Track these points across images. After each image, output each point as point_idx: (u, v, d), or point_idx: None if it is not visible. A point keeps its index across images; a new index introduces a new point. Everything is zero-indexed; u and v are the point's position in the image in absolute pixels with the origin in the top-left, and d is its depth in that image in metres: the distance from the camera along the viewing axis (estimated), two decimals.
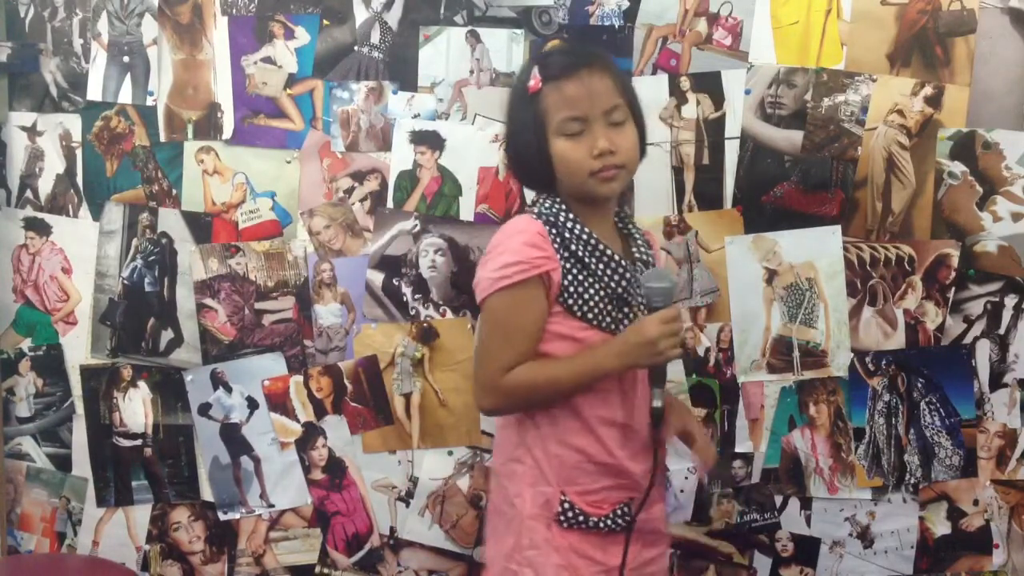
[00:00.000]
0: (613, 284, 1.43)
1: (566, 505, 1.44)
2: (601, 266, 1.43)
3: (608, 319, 1.43)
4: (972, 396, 1.95)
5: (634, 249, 1.52)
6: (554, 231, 1.42)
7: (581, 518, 1.44)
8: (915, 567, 1.99)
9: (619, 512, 1.45)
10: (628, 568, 1.44)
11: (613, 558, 1.44)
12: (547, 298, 1.41)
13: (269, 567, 2.10)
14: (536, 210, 1.45)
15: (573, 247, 1.41)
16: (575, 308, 1.41)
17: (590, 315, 1.41)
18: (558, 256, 1.41)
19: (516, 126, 1.48)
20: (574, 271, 1.41)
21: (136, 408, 2.09)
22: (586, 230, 1.43)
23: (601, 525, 1.44)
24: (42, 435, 2.15)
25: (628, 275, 1.45)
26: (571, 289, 1.41)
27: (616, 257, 1.44)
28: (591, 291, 1.42)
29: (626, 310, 1.44)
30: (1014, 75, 1.89)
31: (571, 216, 1.44)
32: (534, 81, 1.43)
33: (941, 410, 1.95)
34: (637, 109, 1.47)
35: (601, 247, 1.43)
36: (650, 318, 1.37)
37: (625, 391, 1.45)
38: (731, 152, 1.93)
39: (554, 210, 1.44)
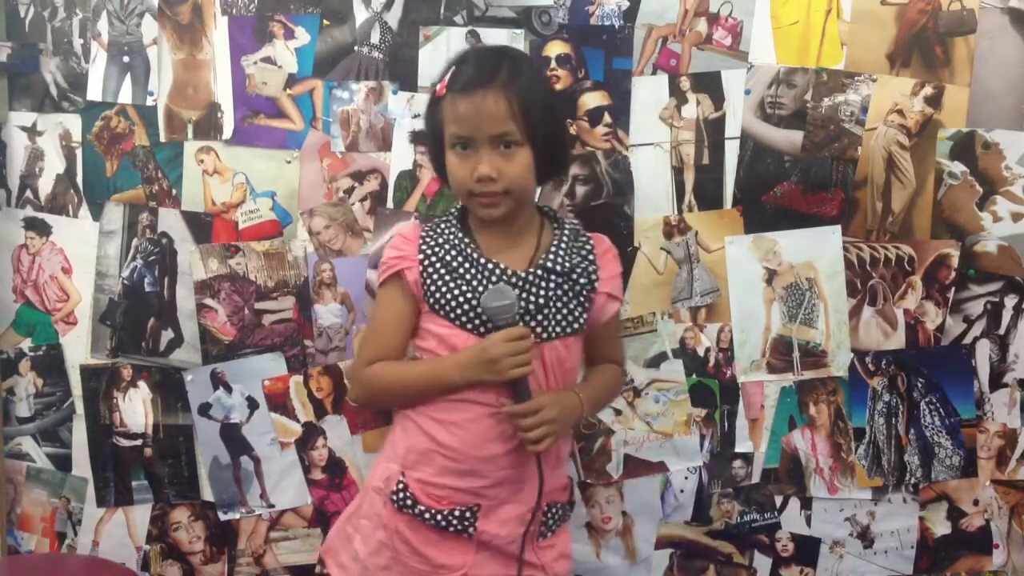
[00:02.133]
0: (479, 287, 1.42)
1: (400, 486, 1.44)
2: (471, 269, 1.42)
3: (476, 321, 1.42)
4: (972, 396, 1.95)
5: (545, 255, 1.46)
6: (431, 233, 1.46)
7: (410, 504, 1.43)
8: (915, 567, 1.99)
9: (458, 514, 1.43)
10: None
11: (445, 557, 1.42)
12: (412, 296, 1.45)
13: (269, 567, 2.10)
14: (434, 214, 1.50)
15: (442, 250, 1.43)
16: (437, 308, 1.43)
17: (452, 315, 1.42)
18: (419, 256, 1.44)
19: (425, 126, 1.51)
20: (440, 271, 1.43)
21: (136, 408, 2.09)
22: (459, 235, 1.44)
23: (428, 517, 1.42)
24: (42, 435, 2.15)
25: (495, 279, 1.42)
26: (431, 289, 1.43)
27: (484, 262, 1.42)
28: (455, 292, 1.42)
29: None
30: (1014, 75, 1.89)
31: (451, 221, 1.47)
32: (440, 86, 1.43)
33: (941, 410, 1.95)
34: (541, 133, 1.41)
35: (470, 251, 1.43)
36: (495, 335, 1.38)
37: (472, 393, 1.43)
38: (731, 152, 1.93)
39: (445, 215, 1.50)
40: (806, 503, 1.99)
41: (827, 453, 1.97)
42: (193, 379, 2.06)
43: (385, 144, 1.98)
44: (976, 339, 1.94)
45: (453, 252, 1.44)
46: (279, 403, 2.04)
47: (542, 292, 1.43)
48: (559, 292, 1.45)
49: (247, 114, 2.00)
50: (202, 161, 2.03)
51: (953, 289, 1.93)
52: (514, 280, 1.42)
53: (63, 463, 2.14)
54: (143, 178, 2.05)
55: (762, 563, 2.02)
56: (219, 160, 2.03)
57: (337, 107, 1.99)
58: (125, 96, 2.05)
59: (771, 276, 1.95)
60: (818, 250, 1.93)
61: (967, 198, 1.91)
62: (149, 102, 2.03)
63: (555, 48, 1.93)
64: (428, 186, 1.98)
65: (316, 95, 1.99)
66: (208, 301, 2.04)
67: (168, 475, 2.10)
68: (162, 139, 2.04)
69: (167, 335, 2.07)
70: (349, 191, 2.00)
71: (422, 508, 1.43)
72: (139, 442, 2.10)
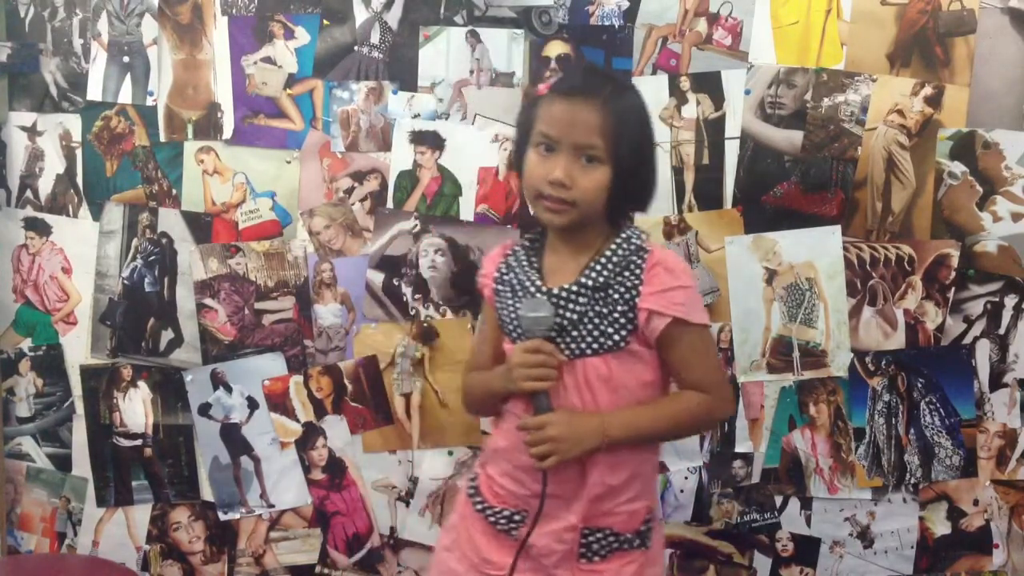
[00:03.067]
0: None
1: (474, 480, 1.51)
2: (528, 286, 1.43)
3: (517, 335, 1.44)
4: (972, 396, 1.95)
5: (586, 271, 1.41)
6: (511, 254, 1.49)
7: (478, 499, 1.48)
8: (915, 567, 1.99)
9: (507, 515, 1.44)
10: None
11: (492, 553, 1.45)
12: (497, 314, 1.49)
13: (269, 567, 2.10)
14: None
15: (511, 273, 1.46)
16: (502, 325, 1.47)
17: (513, 332, 1.44)
18: (495, 274, 1.48)
19: (518, 118, 1.52)
20: (506, 292, 1.46)
21: (136, 408, 2.09)
22: (529, 256, 1.46)
23: (487, 512, 1.46)
24: (42, 435, 2.15)
25: (533, 294, 1.44)
26: (499, 307, 1.47)
27: (532, 279, 1.43)
28: (511, 310, 1.44)
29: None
30: (1014, 75, 1.89)
31: (528, 240, 1.50)
32: (543, 86, 1.43)
33: (941, 410, 1.95)
34: (627, 159, 1.38)
35: (525, 268, 1.45)
36: (517, 345, 1.40)
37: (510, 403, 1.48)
38: (731, 152, 1.93)
39: (535, 232, 1.51)
40: (806, 503, 1.99)
41: (827, 453, 1.97)
42: (193, 379, 2.06)
43: (385, 144, 1.98)
44: (976, 339, 1.94)
45: (518, 271, 1.46)
46: (279, 403, 2.04)
47: (577, 308, 1.40)
48: (595, 308, 1.40)
49: (247, 114, 2.00)
50: (202, 161, 2.03)
51: (953, 289, 1.92)
52: (546, 296, 1.41)
53: (63, 463, 2.14)
54: (143, 178, 2.05)
55: (762, 563, 2.02)
56: (219, 160, 2.03)
57: (337, 107, 1.99)
58: (125, 96, 2.05)
59: (771, 276, 1.94)
60: (818, 250, 1.93)
61: (967, 198, 1.91)
62: (149, 102, 2.04)
63: (555, 48, 1.93)
64: (428, 186, 1.98)
65: (316, 95, 1.99)
66: (208, 301, 2.04)
67: (168, 475, 2.10)
68: (162, 139, 2.04)
69: (167, 335, 2.07)
70: (349, 191, 2.00)
71: (482, 502, 1.48)
72: (139, 442, 2.10)
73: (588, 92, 1.38)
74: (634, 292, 1.40)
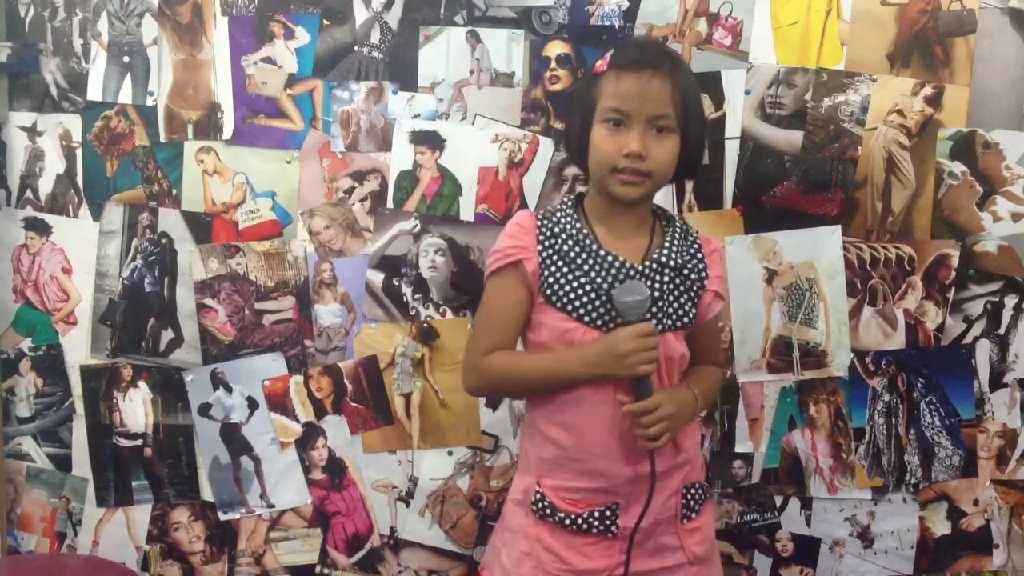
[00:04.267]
0: (600, 280, 1.41)
1: (538, 495, 1.46)
2: (590, 261, 1.41)
3: (594, 314, 1.41)
4: (972, 396, 1.95)
5: (659, 250, 1.46)
6: (546, 223, 1.45)
7: (550, 511, 1.44)
8: (915, 567, 1.99)
9: (598, 515, 1.44)
10: None
11: (585, 561, 1.43)
12: (528, 287, 1.44)
13: (269, 567, 2.10)
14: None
15: (560, 241, 1.43)
16: (554, 299, 1.42)
17: (569, 307, 1.41)
18: (538, 247, 1.43)
19: (574, 102, 1.51)
20: (558, 263, 1.42)
21: (136, 408, 2.09)
22: (577, 225, 1.44)
23: (569, 523, 1.43)
24: (42, 435, 2.15)
25: (618, 272, 1.42)
26: (550, 280, 1.42)
27: (606, 254, 1.42)
28: (573, 284, 1.41)
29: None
30: (1014, 75, 1.89)
31: (569, 211, 1.46)
32: (601, 62, 1.43)
33: (941, 410, 1.95)
34: (693, 126, 1.43)
35: (590, 242, 1.42)
36: (625, 331, 1.38)
37: (585, 391, 1.44)
38: (731, 152, 1.93)
39: (560, 204, 1.49)
40: (806, 503, 1.99)
41: (827, 453, 1.97)
42: (193, 379, 2.06)
43: (385, 144, 1.98)
44: (976, 339, 1.94)
45: (571, 243, 1.43)
46: (279, 403, 2.04)
47: (657, 286, 1.43)
48: (672, 286, 1.45)
49: (247, 114, 2.00)
50: (202, 161, 2.03)
51: (953, 289, 1.93)
52: (632, 273, 1.42)
53: (63, 463, 2.14)
54: (143, 178, 2.05)
55: (762, 563, 2.02)
56: (219, 160, 2.03)
57: (337, 107, 1.99)
58: (125, 96, 2.05)
59: (771, 276, 1.95)
60: (818, 250, 1.93)
61: (967, 198, 1.91)
62: (149, 102, 2.04)
63: (555, 48, 1.93)
64: (428, 186, 1.98)
65: (316, 95, 1.99)
66: (208, 301, 2.04)
67: (168, 475, 2.10)
68: (162, 139, 2.04)
69: (167, 335, 2.07)
70: (349, 191, 2.00)
71: (562, 515, 1.44)
72: (139, 442, 2.10)
73: (655, 64, 1.40)
74: (704, 274, 1.49)
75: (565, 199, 1.52)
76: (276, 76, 1.99)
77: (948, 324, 1.94)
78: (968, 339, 1.94)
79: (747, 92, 1.91)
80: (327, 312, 2.02)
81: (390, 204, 1.99)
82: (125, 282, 2.07)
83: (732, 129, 1.92)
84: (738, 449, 1.99)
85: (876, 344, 1.95)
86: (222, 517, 2.09)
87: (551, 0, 1.92)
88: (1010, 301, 1.93)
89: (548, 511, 1.45)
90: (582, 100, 1.45)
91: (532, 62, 1.93)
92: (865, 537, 1.99)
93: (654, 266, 1.44)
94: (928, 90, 1.89)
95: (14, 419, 2.15)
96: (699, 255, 1.50)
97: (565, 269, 1.42)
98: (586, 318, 1.41)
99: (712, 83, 1.91)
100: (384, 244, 2.00)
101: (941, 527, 1.98)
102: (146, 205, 2.05)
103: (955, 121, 1.89)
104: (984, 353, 1.94)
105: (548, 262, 1.43)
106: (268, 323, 2.03)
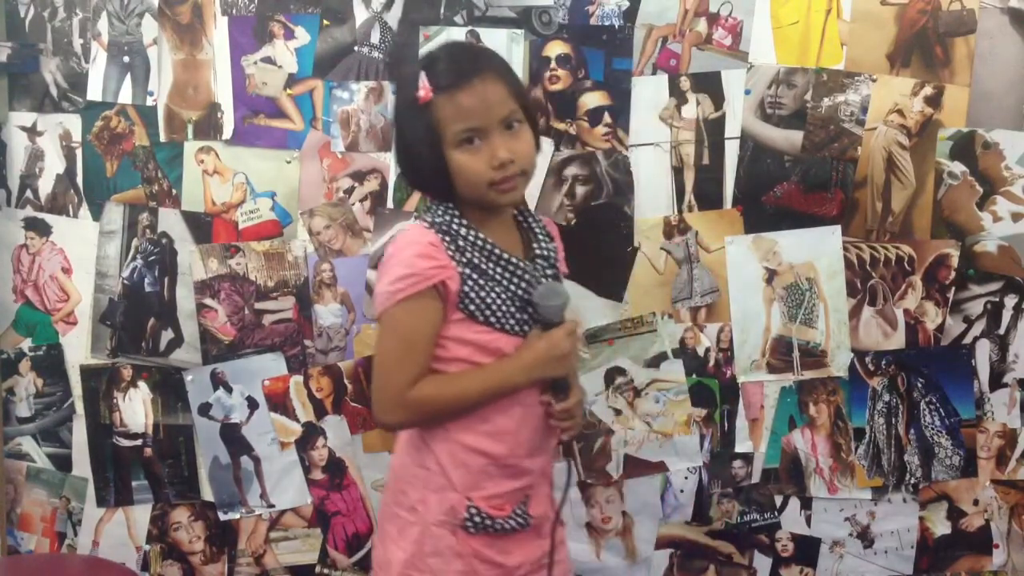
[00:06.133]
0: (513, 287, 1.40)
1: (472, 511, 1.42)
2: (499, 270, 1.40)
3: (512, 321, 1.41)
4: (972, 396, 1.95)
5: (535, 246, 1.49)
6: (448, 239, 1.39)
7: (488, 522, 1.42)
8: (915, 567, 1.99)
9: (518, 512, 1.45)
10: (535, 563, 1.47)
11: (511, 558, 1.45)
12: (444, 307, 1.38)
13: (269, 567, 2.10)
14: (428, 219, 1.41)
15: (468, 254, 1.39)
16: (477, 314, 1.39)
17: (493, 319, 1.39)
18: (454, 264, 1.38)
19: (408, 138, 1.43)
20: (474, 276, 1.38)
21: (136, 408, 2.09)
22: (480, 236, 1.40)
23: (506, 527, 1.44)
24: (42, 435, 2.15)
25: (528, 276, 1.42)
26: (471, 295, 1.38)
27: (513, 260, 1.41)
28: (492, 295, 1.39)
29: (530, 310, 1.42)
30: (1014, 75, 1.89)
31: (463, 223, 1.41)
32: (424, 91, 1.37)
33: (941, 410, 1.95)
34: (530, 109, 1.44)
35: (497, 251, 1.40)
36: (558, 331, 1.40)
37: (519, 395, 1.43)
38: (731, 152, 1.93)
39: (447, 218, 1.41)
40: (806, 503, 1.99)
41: (827, 453, 1.97)
42: (193, 379, 2.06)
43: (385, 144, 1.98)
44: (976, 339, 1.94)
45: (478, 254, 1.40)
46: (279, 403, 2.04)
47: (547, 280, 1.45)
48: (552, 276, 1.48)
49: (247, 114, 2.00)
50: (202, 161, 2.03)
51: (953, 289, 1.92)
52: (538, 275, 1.44)
53: (63, 463, 2.14)
54: (143, 178, 2.05)
55: (762, 563, 2.02)
56: (219, 160, 2.03)
57: (337, 107, 1.99)
58: (125, 96, 2.05)
59: (771, 276, 1.94)
60: (818, 250, 1.93)
61: (967, 198, 1.91)
62: (149, 102, 2.04)
63: (555, 48, 1.93)
64: None
65: (316, 95, 1.99)
66: (208, 301, 2.04)
67: (168, 475, 2.10)
68: (162, 139, 2.04)
69: (167, 335, 2.07)
70: (349, 191, 2.00)
71: (496, 523, 1.43)
72: (139, 442, 2.10)
73: (479, 69, 1.38)
74: (555, 256, 1.52)
75: (438, 211, 1.43)
76: (276, 76, 1.99)
77: (948, 324, 1.93)
78: (968, 339, 1.94)
79: (747, 92, 1.91)
80: (327, 312, 2.02)
81: (390, 204, 1.99)
82: (125, 282, 2.07)
83: (732, 129, 1.92)
84: (738, 449, 1.99)
85: (876, 344, 1.95)
86: (222, 517, 2.09)
87: (551, 0, 1.92)
88: (1010, 301, 1.93)
89: (486, 523, 1.42)
90: (418, 134, 1.39)
91: (532, 62, 1.93)
92: (865, 537, 1.99)
93: (540, 262, 1.47)
94: (928, 90, 1.88)
95: (14, 419, 2.15)
96: (550, 237, 1.54)
97: (482, 281, 1.39)
98: (507, 326, 1.40)
99: (712, 83, 1.91)
100: (384, 244, 2.00)
101: (941, 527, 1.98)
102: (146, 205, 2.05)
103: (955, 121, 1.89)
104: (984, 353, 1.94)
105: (465, 276, 1.38)
106: (268, 323, 2.03)
